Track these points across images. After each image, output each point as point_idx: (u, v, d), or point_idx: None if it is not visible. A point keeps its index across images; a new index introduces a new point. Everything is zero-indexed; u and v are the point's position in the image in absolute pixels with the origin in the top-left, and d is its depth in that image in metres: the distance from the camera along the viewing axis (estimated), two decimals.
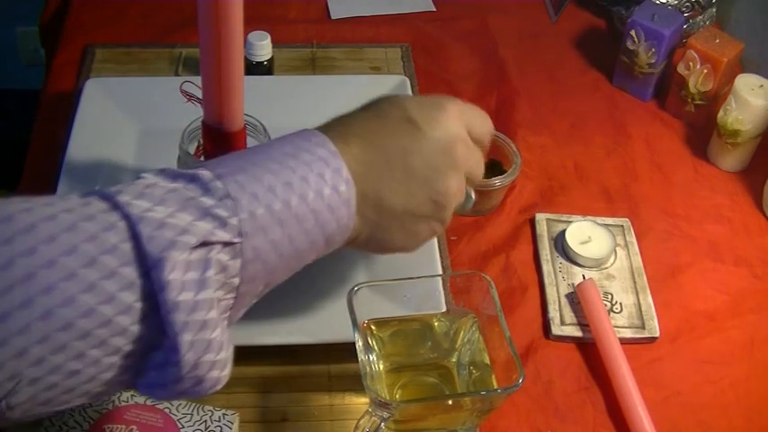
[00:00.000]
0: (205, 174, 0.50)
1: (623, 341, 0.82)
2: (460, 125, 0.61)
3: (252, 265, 0.50)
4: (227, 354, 0.49)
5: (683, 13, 1.13)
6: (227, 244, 0.48)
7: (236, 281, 0.49)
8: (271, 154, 0.54)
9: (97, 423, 0.67)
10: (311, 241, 0.53)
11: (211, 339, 0.47)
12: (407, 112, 0.59)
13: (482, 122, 0.64)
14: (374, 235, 0.59)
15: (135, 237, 0.45)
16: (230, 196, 0.49)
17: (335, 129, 0.58)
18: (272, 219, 0.50)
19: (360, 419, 0.68)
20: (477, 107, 0.65)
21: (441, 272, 0.84)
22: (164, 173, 0.51)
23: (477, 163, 0.63)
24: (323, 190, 0.53)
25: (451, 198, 0.60)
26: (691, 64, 1.03)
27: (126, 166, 0.92)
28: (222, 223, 0.48)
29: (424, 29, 1.19)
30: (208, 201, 0.49)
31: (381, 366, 0.72)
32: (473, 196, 0.68)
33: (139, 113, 0.97)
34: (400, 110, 0.59)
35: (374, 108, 0.61)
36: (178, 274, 0.45)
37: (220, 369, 0.49)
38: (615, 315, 0.86)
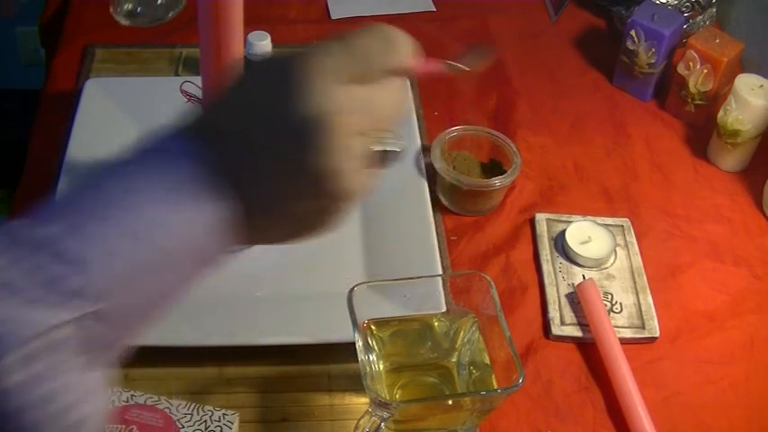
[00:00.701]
0: (53, 232, 0.45)
1: (623, 341, 0.82)
2: (331, 88, 0.48)
3: (117, 323, 0.47)
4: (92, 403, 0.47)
5: (683, 13, 1.12)
6: (82, 315, 0.44)
7: (101, 341, 0.46)
8: (126, 196, 0.47)
9: None
10: (182, 277, 0.49)
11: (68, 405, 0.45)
12: (271, 91, 0.49)
13: (370, 48, 0.50)
14: (270, 236, 0.52)
15: None
16: (82, 260, 0.44)
17: (203, 134, 0.50)
18: (132, 274, 0.46)
19: (360, 419, 0.68)
20: (362, 31, 0.51)
21: (441, 272, 0.84)
22: (8, 235, 0.45)
23: (377, 111, 0.51)
24: (188, 226, 0.47)
25: (347, 174, 0.49)
26: (691, 64, 1.03)
27: None
28: (74, 293, 0.44)
29: (424, 29, 1.19)
30: (56, 269, 0.44)
31: (381, 366, 0.72)
32: (390, 149, 0.54)
33: (139, 113, 0.96)
34: (263, 92, 0.49)
35: (243, 89, 0.51)
36: (19, 376, 0.42)
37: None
38: (615, 315, 0.86)
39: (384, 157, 0.53)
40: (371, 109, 0.51)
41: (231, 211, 0.48)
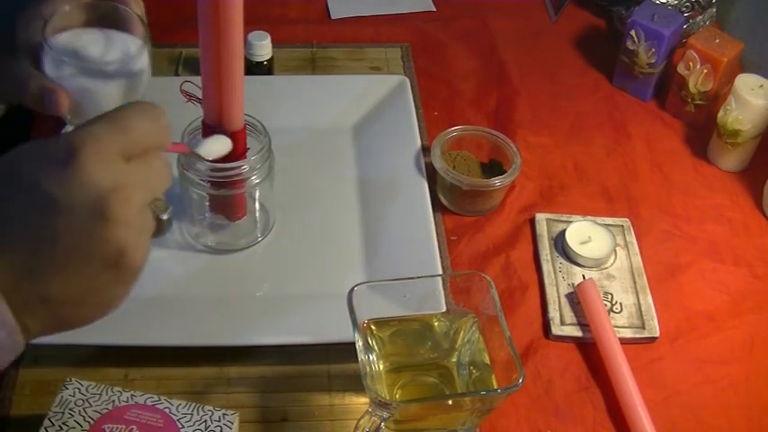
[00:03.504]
0: None
1: (623, 341, 0.82)
2: (105, 167, 0.48)
3: None
4: None
5: (683, 13, 1.13)
6: None
7: None
8: None
9: (97, 423, 0.67)
10: None
11: None
12: (33, 183, 0.47)
13: (144, 131, 0.50)
14: (63, 323, 0.51)
15: None
16: None
17: None
18: None
19: (360, 419, 0.68)
20: (134, 111, 0.51)
21: (441, 272, 0.84)
22: None
23: (151, 181, 0.51)
24: None
25: (128, 250, 0.49)
26: (691, 64, 1.03)
27: None
28: None
29: (424, 29, 1.19)
30: None
31: (381, 366, 0.72)
32: (165, 217, 0.55)
33: None
34: (26, 184, 0.47)
35: (2, 195, 0.48)
36: None
37: None
38: (615, 315, 0.86)
39: (158, 226, 0.54)
40: (146, 182, 0.51)
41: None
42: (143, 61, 0.67)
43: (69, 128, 0.70)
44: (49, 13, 0.65)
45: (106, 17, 0.67)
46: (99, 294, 0.50)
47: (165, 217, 0.55)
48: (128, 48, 0.67)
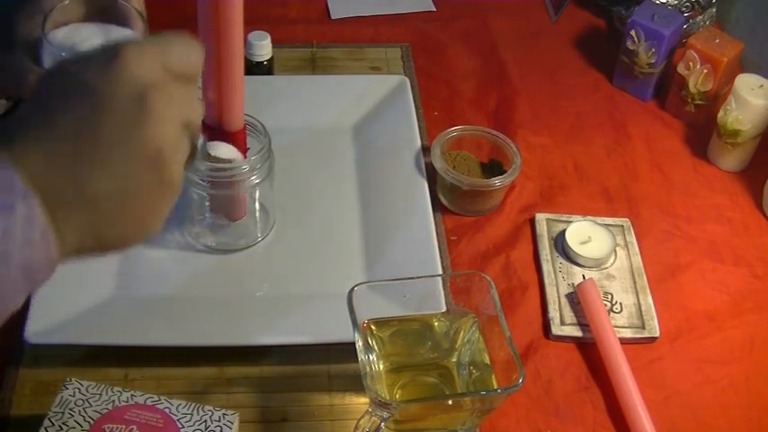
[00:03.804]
0: None
1: (623, 341, 0.82)
2: (147, 68, 0.49)
3: None
4: None
5: (683, 13, 1.13)
6: None
7: None
8: None
9: (97, 423, 0.67)
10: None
11: None
12: (76, 77, 0.48)
13: (182, 52, 0.52)
14: (101, 234, 0.49)
15: None
16: None
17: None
18: None
19: (360, 419, 0.68)
20: (174, 36, 0.52)
21: (441, 272, 0.84)
22: None
23: (187, 103, 0.52)
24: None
25: (167, 152, 0.49)
26: (691, 64, 1.03)
27: None
28: None
29: (424, 29, 1.19)
30: None
31: (381, 366, 0.72)
32: (200, 145, 0.57)
33: None
34: (68, 78, 0.48)
35: (45, 90, 0.49)
36: None
37: None
38: (615, 315, 0.86)
39: (192, 153, 0.53)
40: (184, 99, 0.51)
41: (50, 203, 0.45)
42: None
43: None
44: (48, 7, 0.65)
45: (105, 11, 0.67)
46: (138, 201, 0.49)
47: (199, 143, 0.54)
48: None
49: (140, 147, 0.48)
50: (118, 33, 0.67)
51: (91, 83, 0.47)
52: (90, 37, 0.66)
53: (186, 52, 0.52)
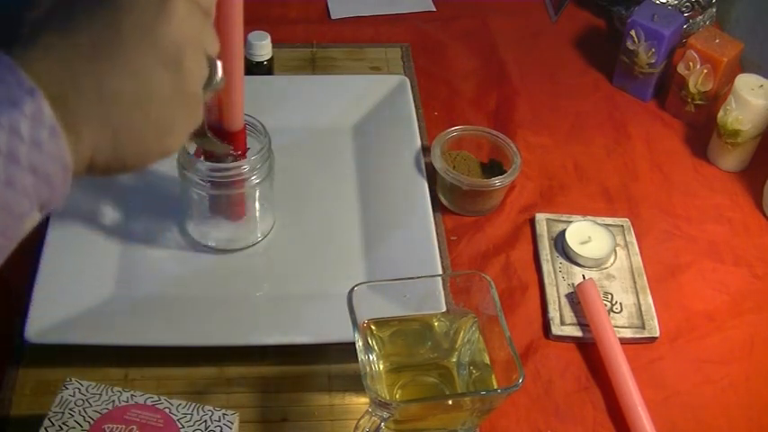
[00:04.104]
0: None
1: (623, 341, 0.82)
2: None
3: None
4: None
5: (683, 13, 1.13)
6: None
7: None
8: None
9: (97, 423, 0.67)
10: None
11: None
12: None
13: None
14: (118, 138, 0.47)
15: None
16: None
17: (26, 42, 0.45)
18: None
19: (360, 419, 0.68)
20: None
21: (441, 272, 0.84)
22: None
23: (204, 26, 0.51)
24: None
25: (188, 54, 0.49)
26: (691, 64, 1.03)
27: None
28: None
29: (424, 29, 1.19)
30: None
31: (381, 366, 0.72)
32: (220, 71, 0.55)
33: None
34: None
35: None
36: None
37: None
38: (615, 315, 0.86)
39: (210, 77, 0.53)
40: (205, 25, 0.51)
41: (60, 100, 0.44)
42: None
43: None
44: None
45: None
46: (158, 104, 0.48)
47: (218, 75, 0.54)
48: None
49: (160, 44, 0.47)
50: None
51: None
52: None
53: None
